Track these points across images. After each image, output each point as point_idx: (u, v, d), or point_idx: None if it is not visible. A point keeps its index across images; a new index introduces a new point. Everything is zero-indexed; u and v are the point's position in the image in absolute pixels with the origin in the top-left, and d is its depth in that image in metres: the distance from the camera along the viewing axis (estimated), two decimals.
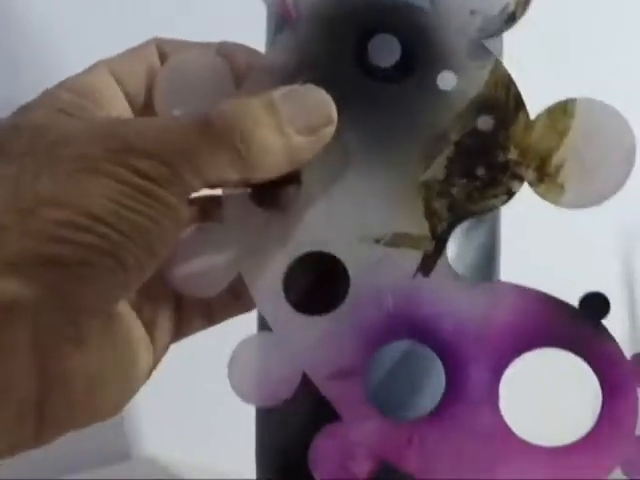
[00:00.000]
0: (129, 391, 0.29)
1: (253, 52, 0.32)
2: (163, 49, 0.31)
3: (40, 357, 0.25)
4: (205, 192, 0.29)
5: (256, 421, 0.41)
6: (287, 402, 0.31)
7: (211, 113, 0.27)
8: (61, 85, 0.29)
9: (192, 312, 0.32)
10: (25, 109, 0.28)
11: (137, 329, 0.30)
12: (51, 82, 0.29)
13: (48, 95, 0.29)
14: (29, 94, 0.29)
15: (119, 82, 0.30)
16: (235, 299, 0.33)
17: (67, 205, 0.25)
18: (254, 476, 0.42)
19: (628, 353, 0.31)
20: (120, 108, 0.30)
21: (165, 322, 0.31)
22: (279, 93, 0.29)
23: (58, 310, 0.25)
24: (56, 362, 0.25)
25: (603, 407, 0.30)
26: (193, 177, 0.26)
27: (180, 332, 0.32)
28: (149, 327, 0.31)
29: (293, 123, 0.28)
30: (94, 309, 0.26)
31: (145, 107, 0.31)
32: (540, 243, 0.66)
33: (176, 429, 0.31)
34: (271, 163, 0.28)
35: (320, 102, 0.29)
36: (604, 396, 0.30)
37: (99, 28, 0.55)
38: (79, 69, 0.30)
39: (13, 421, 0.25)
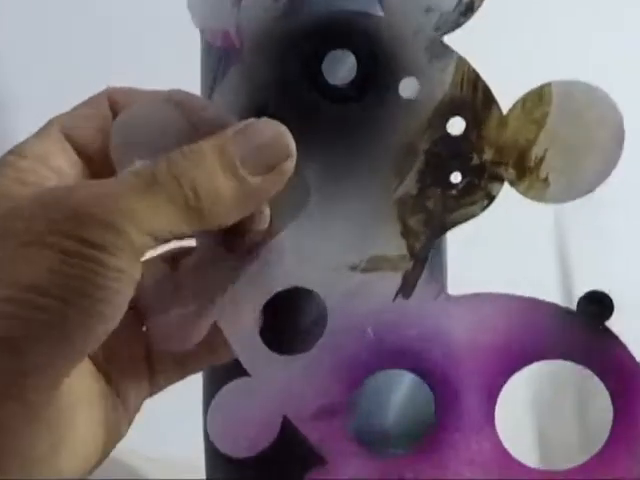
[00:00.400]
0: (95, 454, 0.29)
1: (205, 99, 0.31)
2: (114, 98, 0.30)
3: (17, 422, 0.25)
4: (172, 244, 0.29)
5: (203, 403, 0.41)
6: None
7: (156, 168, 0.26)
8: (18, 152, 0.29)
9: (165, 367, 0.32)
10: None
11: (100, 395, 0.29)
12: None
13: (6, 164, 0.28)
14: None
15: (72, 141, 0.30)
16: (209, 351, 0.31)
17: (9, 282, 0.25)
18: None
19: None
20: (74, 171, 0.30)
21: (137, 380, 0.31)
22: (231, 131, 0.27)
23: (16, 385, 0.25)
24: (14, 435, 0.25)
25: (614, 421, 0.28)
26: (142, 236, 0.26)
27: (155, 386, 0.32)
28: (120, 387, 0.30)
29: (247, 164, 0.27)
30: (42, 378, 0.26)
31: (101, 162, 0.30)
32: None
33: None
34: (224, 211, 0.27)
35: (276, 136, 0.28)
36: (614, 409, 0.27)
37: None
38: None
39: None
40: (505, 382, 0.28)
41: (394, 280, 0.29)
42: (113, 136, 0.29)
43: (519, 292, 0.29)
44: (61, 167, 0.29)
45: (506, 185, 0.29)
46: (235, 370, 0.30)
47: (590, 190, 0.28)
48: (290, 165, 0.28)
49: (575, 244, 0.68)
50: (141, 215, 0.26)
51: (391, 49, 0.29)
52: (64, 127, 0.30)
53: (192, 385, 0.41)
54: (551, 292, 0.30)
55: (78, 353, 0.26)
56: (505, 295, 0.29)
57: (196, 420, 0.40)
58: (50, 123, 0.30)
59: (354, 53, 0.29)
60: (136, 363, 0.31)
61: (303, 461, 0.35)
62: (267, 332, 0.30)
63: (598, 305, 0.28)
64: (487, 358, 0.28)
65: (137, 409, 0.31)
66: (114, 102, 0.30)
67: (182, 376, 0.32)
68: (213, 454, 0.41)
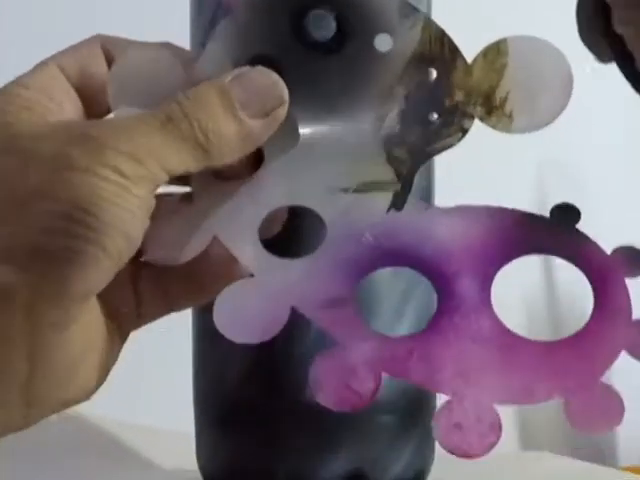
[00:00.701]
0: (104, 372, 0.30)
1: (193, 51, 0.34)
2: (106, 45, 0.33)
3: (30, 341, 0.26)
4: None
5: (193, 364, 0.41)
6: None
7: (169, 108, 0.29)
8: (18, 83, 0.30)
9: (152, 300, 0.33)
10: None
11: (105, 316, 0.30)
12: None
13: (7, 94, 0.30)
14: None
15: (68, 78, 0.32)
16: (195, 290, 0.33)
17: (58, 198, 0.27)
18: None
19: None
20: (73, 107, 0.31)
21: (126, 310, 0.32)
22: (228, 77, 0.30)
23: (48, 296, 0.26)
24: (44, 346, 0.27)
25: (596, 299, 0.30)
26: (159, 170, 0.28)
27: (140, 320, 0.33)
28: (113, 314, 0.31)
29: (246, 108, 0.30)
30: (79, 295, 0.27)
31: (95, 100, 0.32)
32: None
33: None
34: (230, 149, 0.30)
35: (271, 84, 0.31)
36: (594, 289, 0.30)
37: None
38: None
39: (3, 403, 0.26)
40: (497, 271, 0.31)
41: (385, 198, 0.32)
42: (111, 81, 0.32)
43: None
44: (62, 101, 0.31)
45: None
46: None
47: (548, 123, 0.33)
48: (283, 111, 0.31)
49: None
50: (159, 150, 0.28)
51: (366, 8, 0.33)
52: (60, 65, 0.31)
53: (181, 359, 0.41)
54: None
55: (112, 270, 0.28)
56: (491, 206, 0.32)
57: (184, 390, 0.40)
58: (46, 61, 0.32)
59: (333, 12, 0.33)
60: (126, 295, 0.32)
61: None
62: (270, 242, 0.31)
63: (568, 211, 0.32)
64: (476, 250, 0.31)
65: (124, 340, 0.32)
66: (106, 49, 0.32)
67: (168, 310, 0.33)
68: (204, 419, 0.41)
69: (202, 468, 0.41)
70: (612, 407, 0.29)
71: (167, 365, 0.58)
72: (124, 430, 0.57)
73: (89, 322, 0.29)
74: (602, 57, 0.23)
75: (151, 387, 0.60)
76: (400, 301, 0.31)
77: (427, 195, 0.39)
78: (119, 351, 0.31)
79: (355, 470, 0.37)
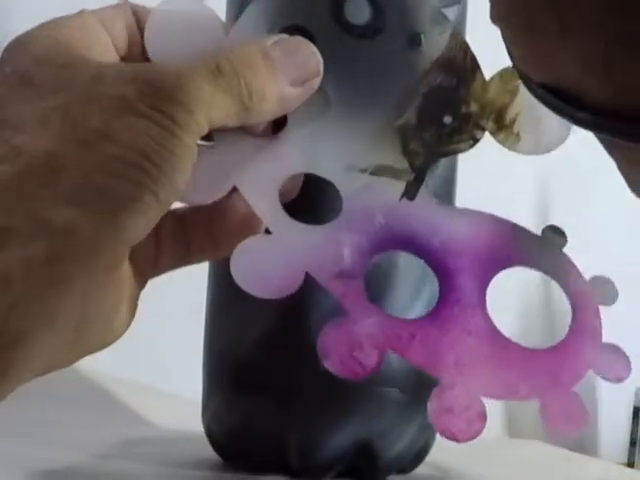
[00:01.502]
0: (132, 316, 0.30)
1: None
2: (136, 11, 0.32)
3: (86, 283, 0.26)
4: None
5: (206, 327, 0.41)
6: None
7: (220, 61, 0.29)
8: (57, 22, 0.30)
9: (171, 251, 0.33)
10: (29, 41, 0.29)
11: (132, 262, 0.30)
12: None
13: (49, 29, 0.29)
14: None
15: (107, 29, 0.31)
16: (212, 243, 0.33)
17: (119, 141, 0.26)
18: None
19: None
20: (110, 51, 0.31)
21: (147, 257, 0.32)
22: (270, 41, 0.31)
23: (106, 239, 0.26)
24: (97, 287, 0.26)
25: (573, 317, 0.33)
26: (204, 120, 0.28)
27: (157, 270, 0.32)
28: (136, 262, 0.31)
29: (286, 74, 0.31)
30: (131, 240, 0.27)
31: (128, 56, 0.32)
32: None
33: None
34: (267, 110, 0.31)
35: (310, 55, 0.32)
36: (572, 307, 0.33)
37: None
38: None
39: (55, 343, 0.26)
40: (493, 276, 0.33)
41: (399, 185, 0.34)
42: (151, 29, 0.31)
43: None
44: (97, 41, 0.30)
45: None
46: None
47: (551, 149, 0.36)
48: (317, 82, 0.32)
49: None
50: (207, 101, 0.28)
51: (403, 5, 0.35)
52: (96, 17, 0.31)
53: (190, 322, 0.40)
54: None
55: (157, 220, 0.28)
56: (494, 214, 0.35)
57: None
58: (81, 12, 0.31)
59: (372, 1, 0.35)
60: (148, 242, 0.31)
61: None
62: (288, 207, 0.32)
63: (557, 234, 0.35)
64: (477, 251, 0.33)
65: (143, 287, 0.32)
66: (136, 15, 0.32)
67: (185, 262, 0.33)
68: (213, 382, 0.41)
69: (208, 431, 0.41)
70: (579, 413, 0.32)
71: (176, 327, 0.57)
72: (129, 389, 0.56)
73: (126, 266, 0.28)
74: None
75: (158, 348, 0.59)
76: (418, 282, 0.33)
77: (449, 187, 0.40)
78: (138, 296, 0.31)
79: (362, 442, 0.38)
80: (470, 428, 0.31)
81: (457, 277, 0.33)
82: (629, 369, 0.33)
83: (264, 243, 0.32)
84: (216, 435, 0.41)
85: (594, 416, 0.81)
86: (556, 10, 0.23)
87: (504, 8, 0.25)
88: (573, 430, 0.32)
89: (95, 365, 0.29)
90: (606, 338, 0.34)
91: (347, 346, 0.31)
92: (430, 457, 0.40)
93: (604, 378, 0.33)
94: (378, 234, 0.33)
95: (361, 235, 0.32)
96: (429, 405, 0.31)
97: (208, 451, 0.41)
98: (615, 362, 0.33)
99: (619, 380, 0.33)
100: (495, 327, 0.33)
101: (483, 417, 0.31)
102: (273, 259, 0.31)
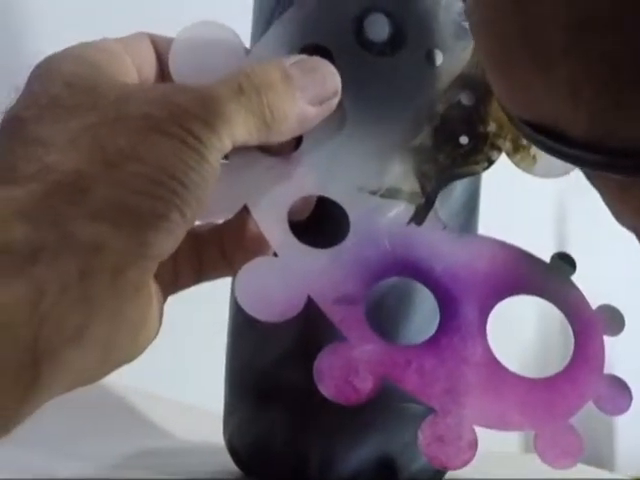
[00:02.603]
0: (156, 332, 0.30)
1: None
2: (154, 40, 0.33)
3: (113, 300, 0.26)
4: None
5: (228, 341, 0.42)
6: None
7: (241, 81, 0.30)
8: (84, 44, 0.31)
9: (186, 268, 0.34)
10: (57, 62, 0.30)
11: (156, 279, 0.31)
12: None
13: (76, 51, 0.30)
14: None
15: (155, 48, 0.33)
16: (225, 261, 0.34)
17: (146, 160, 0.27)
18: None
19: None
20: (134, 74, 0.32)
21: (168, 273, 0.33)
22: (290, 61, 0.31)
23: (133, 256, 0.27)
24: (124, 305, 0.27)
25: (575, 348, 0.33)
26: (227, 139, 0.29)
27: (177, 285, 0.33)
28: (157, 276, 0.31)
29: (306, 94, 0.31)
30: (158, 257, 0.28)
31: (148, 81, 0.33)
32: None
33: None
34: (287, 130, 0.31)
35: (329, 75, 0.32)
36: (575, 338, 0.33)
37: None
38: None
39: (83, 361, 0.26)
40: (494, 305, 0.33)
41: (408, 209, 0.34)
42: (174, 50, 0.32)
43: None
44: (142, 64, 0.32)
45: None
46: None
47: (567, 172, 0.35)
48: (336, 101, 0.33)
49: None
50: (229, 119, 0.29)
51: (423, 23, 0.35)
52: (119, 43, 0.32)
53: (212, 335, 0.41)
54: None
55: (182, 237, 0.28)
56: (500, 240, 0.34)
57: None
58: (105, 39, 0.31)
59: (392, 19, 0.35)
60: (168, 262, 0.32)
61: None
62: (296, 226, 0.33)
63: (565, 262, 0.35)
64: (481, 281, 0.33)
65: (164, 303, 0.32)
66: (154, 42, 0.33)
67: (200, 279, 0.34)
68: (235, 396, 0.42)
69: (230, 445, 0.42)
70: (574, 445, 0.33)
71: (198, 341, 0.58)
72: (150, 401, 0.57)
73: (152, 282, 0.29)
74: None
75: (179, 362, 0.61)
76: (432, 309, 0.33)
77: (471, 210, 0.40)
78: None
79: (383, 457, 0.39)
80: (459, 457, 0.32)
81: (459, 304, 0.33)
82: (630, 401, 0.33)
83: (268, 265, 0.32)
84: (237, 448, 0.41)
85: (610, 429, 0.80)
86: (527, 42, 0.23)
87: (483, 46, 0.25)
88: (567, 463, 0.32)
89: (115, 377, 0.30)
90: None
91: (342, 371, 0.31)
92: (450, 473, 0.40)
93: (603, 411, 0.33)
94: (382, 260, 0.33)
95: (366, 260, 0.33)
96: (420, 432, 0.32)
97: (229, 464, 0.41)
98: (616, 395, 0.33)
99: (618, 413, 0.33)
100: (494, 356, 0.33)
101: (474, 446, 0.32)
102: (276, 282, 0.32)
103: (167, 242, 0.27)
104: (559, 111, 0.23)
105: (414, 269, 0.33)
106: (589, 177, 0.26)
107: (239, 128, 0.29)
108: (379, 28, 0.34)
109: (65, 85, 0.29)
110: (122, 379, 0.32)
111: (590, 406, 0.33)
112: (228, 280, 0.38)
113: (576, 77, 0.22)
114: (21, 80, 0.30)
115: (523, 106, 0.25)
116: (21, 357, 0.24)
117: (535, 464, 0.33)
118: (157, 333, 0.30)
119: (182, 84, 0.31)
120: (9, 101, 0.29)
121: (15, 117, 0.28)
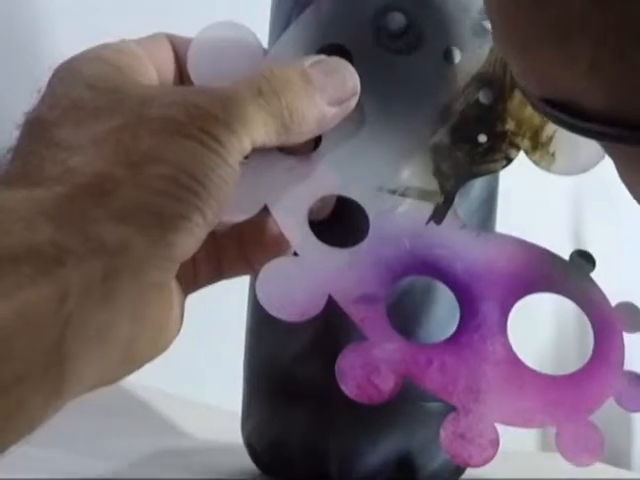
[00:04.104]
0: (178, 332, 0.31)
1: None
2: (172, 41, 0.33)
3: (134, 301, 0.27)
4: None
5: (247, 339, 0.42)
6: None
7: (261, 83, 0.30)
8: (105, 46, 0.31)
9: (205, 267, 0.34)
10: (79, 64, 0.30)
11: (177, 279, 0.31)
12: None
13: (97, 53, 0.30)
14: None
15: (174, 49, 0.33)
16: (244, 261, 0.34)
17: (169, 162, 0.27)
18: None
19: None
20: (154, 76, 0.32)
21: (188, 273, 0.33)
22: (308, 62, 0.32)
23: (155, 257, 0.27)
24: (146, 306, 0.27)
25: (595, 345, 0.33)
26: (246, 141, 0.29)
27: (196, 284, 0.34)
28: (177, 276, 0.32)
29: (324, 94, 0.31)
30: (179, 258, 0.28)
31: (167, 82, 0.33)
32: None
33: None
34: (306, 130, 0.31)
35: (347, 75, 0.32)
36: (595, 336, 0.33)
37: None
38: None
39: (104, 363, 0.26)
40: (514, 303, 0.33)
41: (427, 208, 0.34)
42: (192, 51, 0.33)
43: None
44: (161, 66, 0.32)
45: None
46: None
47: (586, 170, 0.35)
48: (354, 101, 0.33)
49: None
50: (249, 121, 0.29)
51: (441, 20, 0.35)
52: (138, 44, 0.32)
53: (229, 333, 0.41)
54: None
55: (203, 238, 0.28)
56: (519, 238, 0.35)
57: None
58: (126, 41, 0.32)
59: (410, 17, 0.34)
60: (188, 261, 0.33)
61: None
62: (315, 225, 0.33)
63: (585, 259, 0.35)
64: (501, 279, 0.33)
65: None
66: (172, 43, 0.33)
67: (219, 277, 0.34)
68: (254, 394, 0.42)
69: (248, 443, 0.42)
70: (595, 442, 0.33)
71: (216, 340, 0.58)
72: (166, 400, 0.57)
73: (174, 283, 0.29)
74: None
75: (197, 360, 0.61)
76: (452, 307, 0.33)
77: (489, 208, 0.40)
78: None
79: (403, 454, 0.39)
80: (481, 455, 0.32)
81: (479, 303, 0.33)
82: None
83: (289, 265, 0.32)
84: (256, 447, 0.41)
85: (628, 428, 0.80)
86: (545, 15, 0.23)
87: (500, 26, 0.25)
88: (588, 460, 0.32)
89: (134, 377, 0.30)
90: None
91: (364, 370, 0.31)
92: (469, 471, 0.40)
93: (623, 408, 0.33)
94: (402, 259, 0.33)
95: (386, 259, 0.33)
96: (441, 430, 0.32)
97: (247, 462, 0.41)
98: (636, 392, 0.33)
99: (639, 410, 0.33)
100: (514, 354, 0.33)
101: (495, 444, 0.32)
102: (297, 282, 0.32)
103: (189, 243, 0.28)
104: (578, 85, 0.24)
105: (434, 268, 0.33)
106: (608, 151, 0.26)
107: (258, 130, 0.29)
108: (397, 25, 0.34)
109: (86, 87, 0.29)
110: (141, 379, 0.33)
111: (607, 405, 0.33)
112: (246, 279, 0.39)
113: (595, 48, 0.22)
114: (42, 83, 0.30)
115: (542, 83, 0.25)
116: (47, 357, 0.24)
117: (553, 463, 0.33)
118: (178, 332, 0.31)
119: (202, 86, 0.31)
120: (31, 103, 0.29)
121: (38, 119, 0.28)
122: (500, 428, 0.32)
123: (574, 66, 0.23)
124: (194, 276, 0.33)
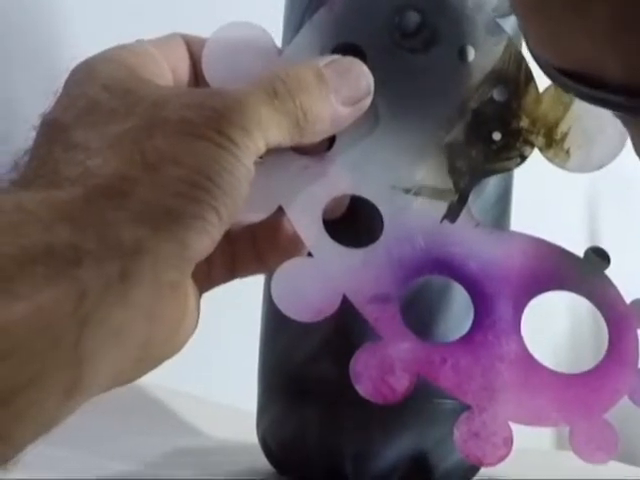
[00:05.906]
0: (193, 330, 0.31)
1: None
2: (188, 40, 0.33)
3: (151, 301, 0.27)
4: None
5: (261, 339, 0.42)
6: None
7: (275, 84, 0.30)
8: (120, 47, 0.31)
9: (220, 266, 0.34)
10: (95, 66, 0.30)
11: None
12: None
13: (113, 54, 0.31)
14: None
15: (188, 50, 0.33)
16: (258, 261, 0.34)
17: (184, 163, 0.27)
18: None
19: None
20: (168, 77, 0.32)
21: (202, 273, 0.32)
22: (322, 62, 0.32)
23: (171, 257, 0.27)
24: (162, 305, 0.27)
25: (609, 343, 0.33)
26: (261, 142, 0.29)
27: (210, 283, 0.34)
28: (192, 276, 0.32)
29: (339, 94, 0.31)
30: (195, 258, 0.28)
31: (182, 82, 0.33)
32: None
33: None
34: (320, 130, 0.31)
35: (361, 75, 0.32)
36: (609, 333, 0.33)
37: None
38: None
39: (120, 362, 0.27)
40: (528, 301, 0.33)
41: (441, 207, 0.34)
42: (207, 52, 0.33)
43: None
44: (176, 67, 0.32)
45: None
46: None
47: (601, 166, 0.35)
48: (368, 101, 0.33)
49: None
50: (264, 123, 0.29)
51: (455, 19, 0.35)
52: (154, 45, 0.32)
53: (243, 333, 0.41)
54: None
55: (219, 238, 0.29)
56: (533, 236, 0.35)
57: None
58: (140, 42, 0.32)
59: (424, 15, 0.34)
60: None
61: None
62: (329, 225, 0.33)
63: (599, 256, 0.35)
64: (514, 277, 0.33)
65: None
66: (187, 43, 0.33)
67: (233, 276, 0.34)
68: (269, 393, 0.42)
69: (263, 442, 0.42)
70: (610, 440, 0.33)
71: (231, 339, 0.59)
72: (182, 399, 0.57)
73: (189, 283, 0.30)
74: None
75: (211, 360, 0.61)
76: (467, 306, 0.33)
77: (503, 205, 0.40)
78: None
79: (417, 453, 0.39)
80: (495, 453, 0.32)
81: (493, 301, 0.33)
82: None
83: (304, 266, 0.33)
84: (271, 446, 0.41)
85: None
86: None
87: None
88: (602, 458, 0.32)
89: (150, 376, 0.30)
90: None
91: (379, 370, 0.32)
92: (483, 469, 0.40)
93: (638, 405, 0.33)
94: (416, 258, 0.33)
95: (400, 259, 0.33)
96: (456, 429, 0.32)
97: (262, 461, 0.41)
98: None
99: None
100: (528, 352, 0.33)
101: (509, 443, 0.32)
102: (312, 282, 0.32)
103: (204, 243, 0.28)
104: (596, 54, 0.23)
105: (448, 266, 0.33)
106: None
107: (273, 131, 0.30)
108: (411, 24, 0.34)
109: (102, 88, 0.29)
110: (156, 378, 0.33)
111: (621, 403, 0.33)
112: (260, 278, 0.39)
113: (613, 15, 0.22)
114: (58, 84, 0.30)
115: (559, 53, 0.25)
116: (64, 357, 0.25)
117: (568, 461, 0.33)
118: (194, 331, 0.31)
119: (217, 88, 0.32)
120: (47, 105, 0.30)
121: (54, 121, 0.29)
122: (514, 426, 0.32)
123: (593, 33, 0.23)
124: (208, 275, 0.33)
